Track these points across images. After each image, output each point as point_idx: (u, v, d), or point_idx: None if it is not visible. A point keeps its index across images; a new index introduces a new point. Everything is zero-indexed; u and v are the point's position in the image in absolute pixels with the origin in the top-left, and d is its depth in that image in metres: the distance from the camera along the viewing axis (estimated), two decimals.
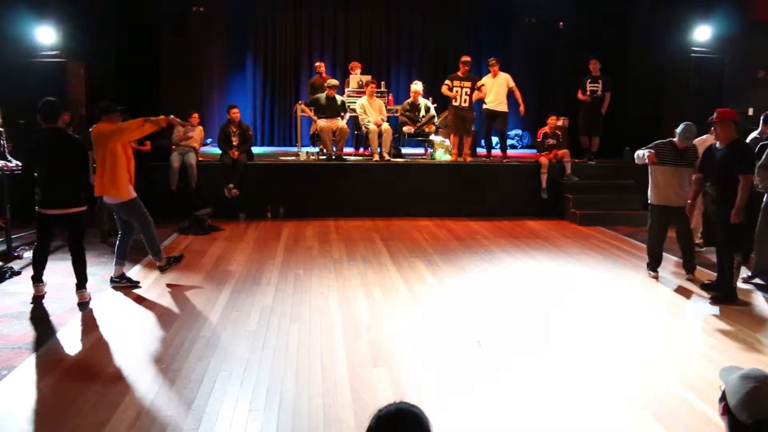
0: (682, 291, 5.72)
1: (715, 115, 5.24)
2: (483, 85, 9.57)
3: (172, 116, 5.77)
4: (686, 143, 5.79)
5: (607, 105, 9.70)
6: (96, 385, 3.62)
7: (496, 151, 10.48)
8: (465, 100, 9.51)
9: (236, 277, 5.92)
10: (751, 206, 5.26)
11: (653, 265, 6.13)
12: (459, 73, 9.56)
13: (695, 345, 4.40)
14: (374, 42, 13.54)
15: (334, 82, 9.76)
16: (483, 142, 10.43)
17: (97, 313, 4.91)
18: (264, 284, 5.70)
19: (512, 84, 9.76)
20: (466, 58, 9.67)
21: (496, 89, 9.70)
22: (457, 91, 9.48)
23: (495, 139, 10.73)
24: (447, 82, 9.60)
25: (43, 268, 5.29)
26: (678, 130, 5.86)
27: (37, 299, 5.15)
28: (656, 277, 6.06)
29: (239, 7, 12.81)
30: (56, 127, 5.20)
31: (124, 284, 5.62)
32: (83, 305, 5.06)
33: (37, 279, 5.26)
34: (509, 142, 11.17)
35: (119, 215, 5.74)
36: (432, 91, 11.40)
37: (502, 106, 9.76)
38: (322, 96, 9.53)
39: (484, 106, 9.81)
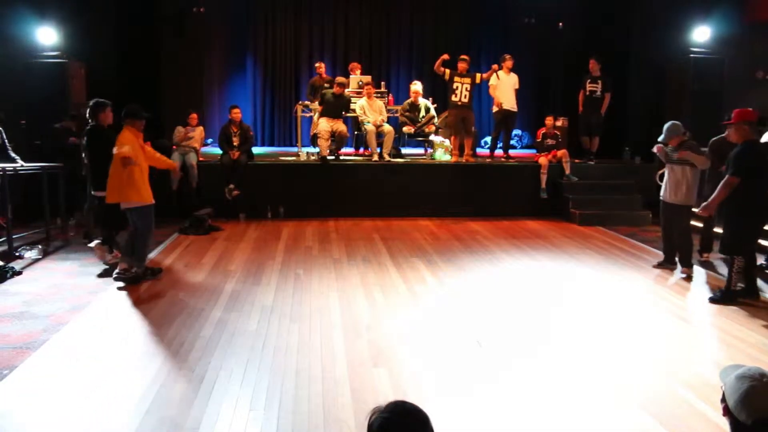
0: (682, 291, 5.72)
1: (732, 115, 5.27)
2: (481, 75, 9.63)
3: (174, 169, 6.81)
4: (666, 141, 6.06)
5: (606, 105, 9.69)
6: (96, 384, 3.62)
7: (497, 151, 10.46)
8: (465, 96, 9.49)
9: (236, 277, 5.93)
10: (762, 209, 5.23)
11: (662, 259, 6.38)
12: (458, 71, 9.55)
13: (695, 345, 4.40)
14: (374, 42, 13.55)
15: (342, 79, 9.77)
16: (488, 142, 10.41)
17: (97, 313, 4.92)
18: (264, 284, 5.71)
19: (517, 86, 9.84)
20: (465, 57, 9.68)
21: (508, 89, 9.72)
22: (457, 87, 9.47)
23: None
24: (447, 71, 9.57)
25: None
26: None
27: (38, 298, 5.16)
28: (657, 267, 6.28)
29: (239, 7, 12.82)
30: (95, 124, 6.17)
31: (128, 276, 5.69)
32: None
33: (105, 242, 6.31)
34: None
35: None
36: (432, 91, 11.41)
37: (515, 107, 9.81)
38: (329, 92, 9.54)
39: (500, 107, 9.80)
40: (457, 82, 9.46)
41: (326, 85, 10.37)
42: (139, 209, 5.71)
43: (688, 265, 6.10)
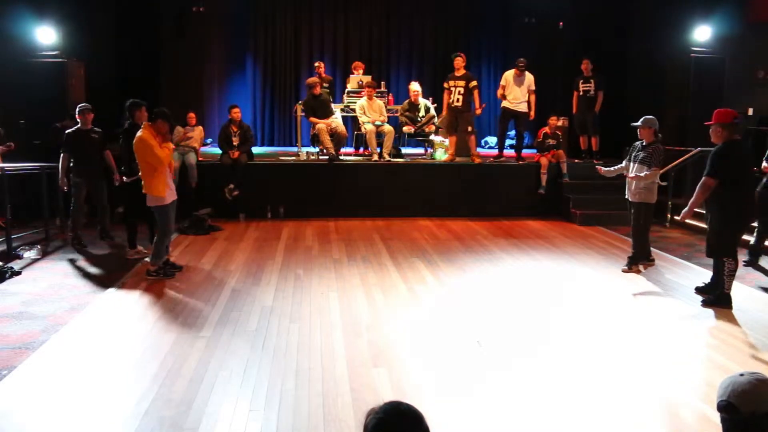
0: (681, 292, 5.70)
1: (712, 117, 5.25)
2: (477, 88, 9.42)
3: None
4: (639, 129, 6.20)
5: (600, 103, 9.65)
6: (96, 385, 3.62)
7: (508, 152, 10.39)
8: (458, 99, 9.32)
9: (236, 277, 5.92)
10: (747, 209, 5.22)
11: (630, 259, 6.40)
12: (455, 73, 9.46)
13: (694, 346, 4.39)
14: (374, 42, 13.53)
15: (314, 79, 9.71)
16: (488, 142, 10.34)
17: (97, 313, 4.91)
18: (264, 284, 5.70)
19: (533, 87, 9.58)
20: (459, 54, 9.46)
21: (515, 90, 9.60)
22: (451, 90, 9.42)
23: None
24: (445, 84, 9.49)
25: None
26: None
27: (37, 298, 5.16)
28: (637, 272, 6.25)
29: (239, 7, 12.82)
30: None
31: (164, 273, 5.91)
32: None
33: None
34: (508, 142, 11.09)
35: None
36: (431, 91, 11.40)
37: (522, 106, 9.58)
38: (309, 97, 9.51)
39: (503, 104, 9.71)
40: (451, 85, 9.36)
41: (325, 84, 10.34)
42: (157, 207, 5.84)
43: (635, 264, 6.22)
